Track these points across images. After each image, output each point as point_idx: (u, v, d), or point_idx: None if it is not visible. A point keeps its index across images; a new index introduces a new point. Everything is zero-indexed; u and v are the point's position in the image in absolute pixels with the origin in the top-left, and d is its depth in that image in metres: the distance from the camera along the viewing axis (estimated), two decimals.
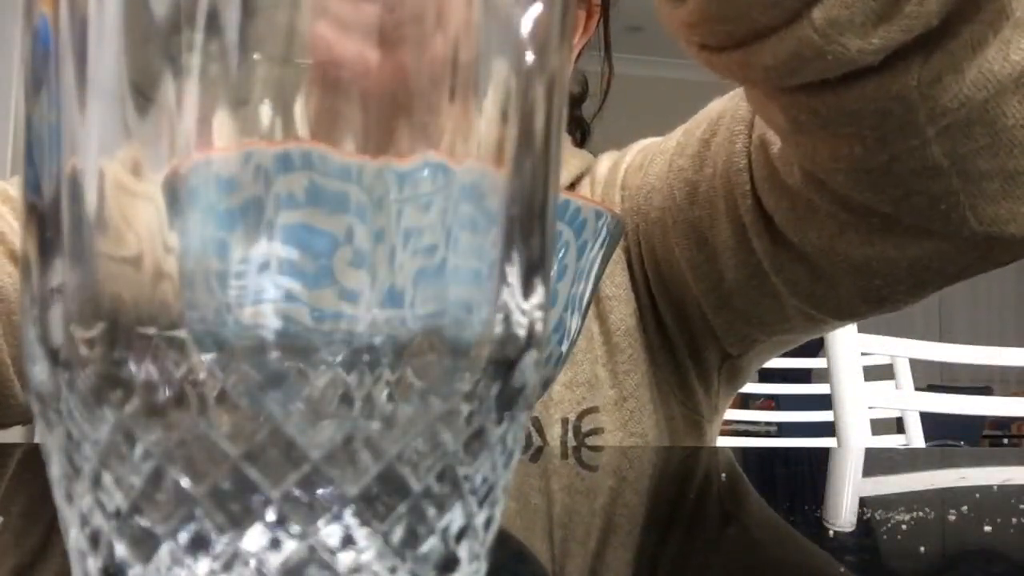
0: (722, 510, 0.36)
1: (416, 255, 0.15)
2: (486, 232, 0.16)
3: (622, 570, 0.25)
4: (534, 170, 0.17)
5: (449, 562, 0.16)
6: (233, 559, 0.15)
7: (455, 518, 0.16)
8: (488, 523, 0.17)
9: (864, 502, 0.36)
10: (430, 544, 0.16)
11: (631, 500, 0.36)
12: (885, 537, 0.28)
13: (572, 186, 0.70)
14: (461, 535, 0.16)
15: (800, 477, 0.46)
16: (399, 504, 0.15)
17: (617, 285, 0.66)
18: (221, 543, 0.15)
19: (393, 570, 0.15)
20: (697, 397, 0.68)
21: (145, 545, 0.15)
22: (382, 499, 0.15)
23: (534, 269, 0.17)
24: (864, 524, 0.30)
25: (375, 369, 0.15)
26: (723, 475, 0.45)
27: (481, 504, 0.17)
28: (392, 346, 0.15)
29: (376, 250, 0.15)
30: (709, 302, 0.61)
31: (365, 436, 0.15)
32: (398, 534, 0.15)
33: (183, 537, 0.15)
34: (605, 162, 0.71)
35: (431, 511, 0.16)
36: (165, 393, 0.14)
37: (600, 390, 0.64)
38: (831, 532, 0.29)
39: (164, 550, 0.15)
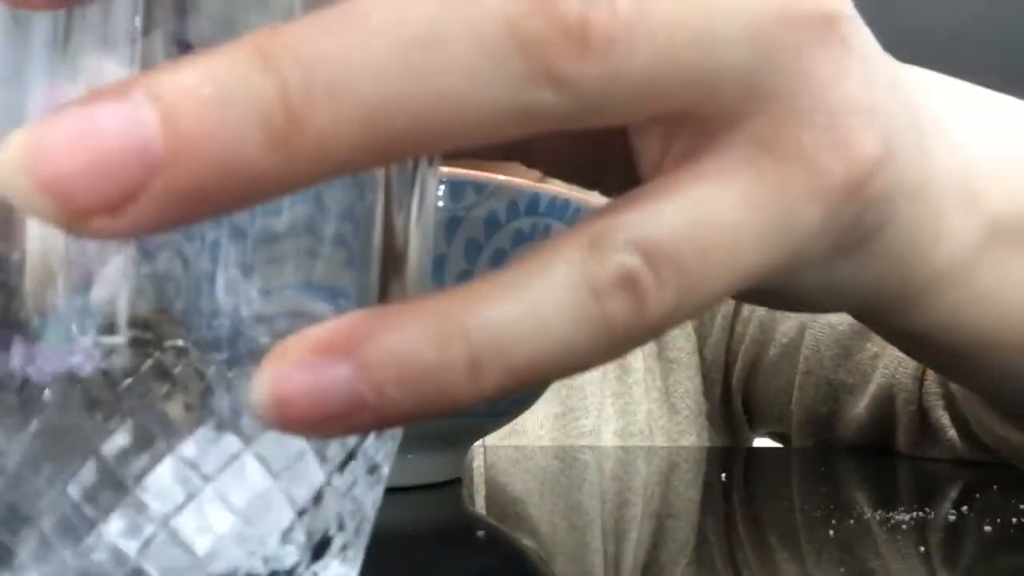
0: (721, 510, 0.36)
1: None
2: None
3: (621, 569, 0.25)
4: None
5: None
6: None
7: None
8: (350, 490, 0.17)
9: (864, 502, 0.36)
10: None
11: (630, 500, 0.36)
12: (885, 537, 0.28)
13: None
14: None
15: (799, 477, 0.46)
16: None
17: (680, 348, 0.66)
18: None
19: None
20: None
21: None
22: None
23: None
24: (864, 524, 0.30)
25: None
26: (723, 475, 0.45)
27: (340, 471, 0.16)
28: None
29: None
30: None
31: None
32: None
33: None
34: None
35: None
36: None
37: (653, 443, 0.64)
38: (831, 532, 0.29)
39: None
